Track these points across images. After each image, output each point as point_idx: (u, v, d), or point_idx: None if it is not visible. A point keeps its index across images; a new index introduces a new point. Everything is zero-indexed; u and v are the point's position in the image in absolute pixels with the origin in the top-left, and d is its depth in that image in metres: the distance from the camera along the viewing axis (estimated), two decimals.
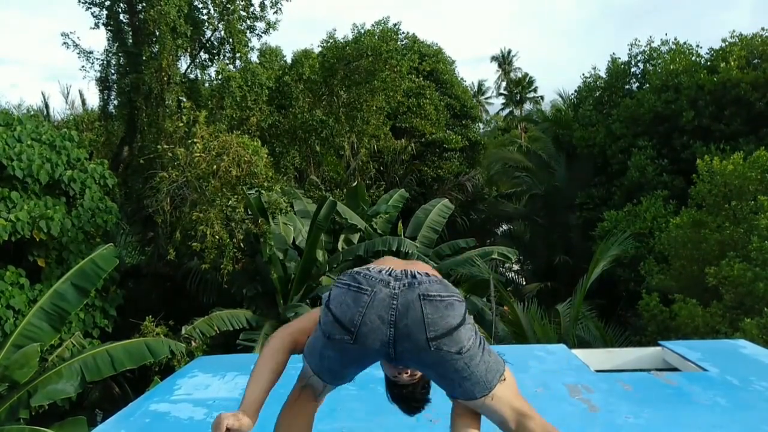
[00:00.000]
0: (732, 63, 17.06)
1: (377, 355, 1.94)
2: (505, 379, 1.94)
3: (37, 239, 11.29)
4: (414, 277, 1.88)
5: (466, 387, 1.87)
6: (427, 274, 1.93)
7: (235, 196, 13.08)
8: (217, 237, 12.52)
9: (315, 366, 2.04)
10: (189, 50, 15.97)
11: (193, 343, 11.82)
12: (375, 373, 3.49)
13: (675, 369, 4.33)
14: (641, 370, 4.30)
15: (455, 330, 1.81)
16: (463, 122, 27.83)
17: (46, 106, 23.52)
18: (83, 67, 17.27)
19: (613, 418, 3.15)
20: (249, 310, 13.33)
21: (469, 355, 1.83)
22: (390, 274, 1.90)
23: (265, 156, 13.74)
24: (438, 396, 3.40)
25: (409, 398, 2.25)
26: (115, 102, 16.82)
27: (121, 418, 3.38)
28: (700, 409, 3.31)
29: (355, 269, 1.97)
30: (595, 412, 3.21)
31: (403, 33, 24.00)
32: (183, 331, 12.02)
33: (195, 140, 13.01)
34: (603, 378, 3.86)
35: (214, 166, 12.74)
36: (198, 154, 12.85)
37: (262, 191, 13.45)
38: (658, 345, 4.73)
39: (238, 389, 3.72)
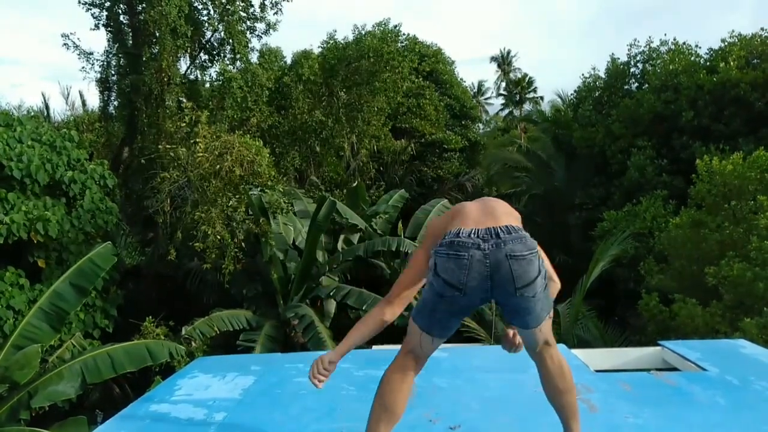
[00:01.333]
0: (731, 63, 17.02)
1: (478, 300, 2.40)
2: (550, 317, 2.45)
3: (35, 241, 11.27)
4: (498, 236, 2.30)
5: (527, 319, 2.38)
6: (508, 230, 2.33)
7: (237, 196, 13.09)
8: (218, 237, 12.52)
9: (425, 324, 2.44)
10: (189, 51, 15.97)
11: (194, 344, 11.79)
12: (375, 373, 3.41)
13: (675, 369, 4.32)
14: (641, 370, 4.30)
15: (534, 281, 2.29)
16: (463, 122, 27.85)
17: (47, 106, 23.47)
18: (83, 68, 17.35)
19: (613, 417, 3.15)
20: (249, 311, 13.32)
21: (537, 298, 2.33)
22: (479, 236, 2.31)
23: (267, 155, 13.75)
24: (437, 397, 3.46)
25: None
26: (116, 103, 16.88)
27: (121, 419, 3.37)
28: (700, 409, 3.31)
29: (448, 239, 2.36)
30: (595, 412, 3.20)
31: (404, 34, 24.00)
32: (183, 332, 11.99)
33: (197, 140, 13.01)
34: (603, 378, 3.85)
35: (217, 166, 12.74)
36: (201, 154, 12.86)
37: (266, 190, 13.45)
38: (658, 345, 4.73)
39: (238, 389, 3.74)
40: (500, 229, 2.32)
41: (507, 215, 2.45)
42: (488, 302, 2.49)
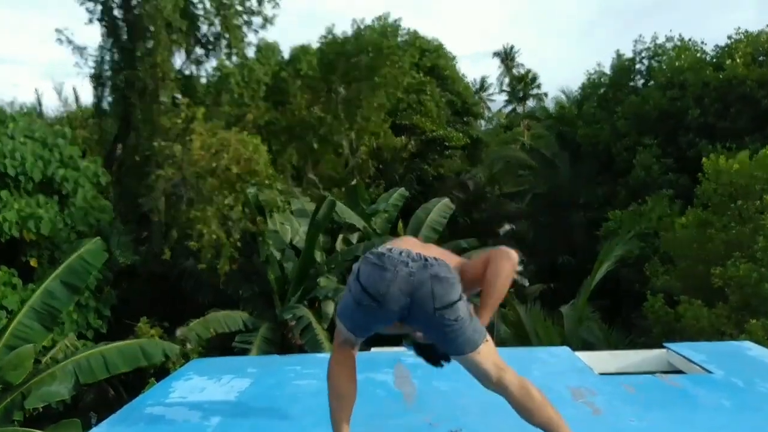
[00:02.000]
0: (738, 60, 17.09)
1: (394, 316, 2.43)
2: (487, 341, 2.46)
3: (27, 239, 11.19)
4: (426, 260, 2.40)
5: (458, 344, 2.41)
6: (435, 259, 2.43)
7: (233, 195, 12.99)
8: (214, 236, 12.43)
9: (348, 326, 2.53)
10: (184, 46, 15.87)
11: (189, 345, 11.72)
12: (375, 377, 3.77)
13: (680, 371, 4.31)
14: (645, 373, 4.27)
15: (455, 303, 2.35)
16: (465, 119, 27.73)
17: (39, 103, 23.43)
18: (77, 63, 17.25)
19: (617, 421, 3.12)
20: (245, 312, 13.27)
21: (462, 321, 2.36)
22: (408, 256, 2.40)
23: (265, 153, 13.66)
24: (437, 401, 3.49)
25: (428, 351, 2.80)
26: (109, 99, 16.75)
27: (115, 421, 3.33)
28: (705, 412, 3.29)
29: (380, 250, 2.48)
30: (599, 415, 3.19)
31: (404, 29, 23.85)
32: (178, 333, 11.97)
33: (193, 137, 12.91)
34: (607, 380, 3.83)
35: (213, 164, 12.66)
36: (197, 152, 12.77)
37: (263, 189, 13.38)
38: (663, 347, 4.71)
39: (233, 392, 3.71)
40: (428, 257, 2.43)
41: (439, 254, 2.55)
42: (400, 320, 2.50)
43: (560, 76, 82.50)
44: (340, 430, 2.54)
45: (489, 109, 44.32)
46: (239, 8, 15.99)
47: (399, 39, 20.39)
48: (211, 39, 16.39)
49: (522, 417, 2.50)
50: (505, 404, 3.26)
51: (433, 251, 2.57)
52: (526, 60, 72.13)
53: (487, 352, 2.45)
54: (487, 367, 2.44)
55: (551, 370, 3.99)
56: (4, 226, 10.77)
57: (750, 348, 4.60)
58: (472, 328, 2.40)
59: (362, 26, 19.01)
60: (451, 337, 2.39)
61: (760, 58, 17.42)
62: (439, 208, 16.73)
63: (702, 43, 19.23)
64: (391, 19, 19.64)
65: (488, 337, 2.48)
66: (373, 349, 5.27)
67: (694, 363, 4.14)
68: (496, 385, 2.47)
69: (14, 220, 10.92)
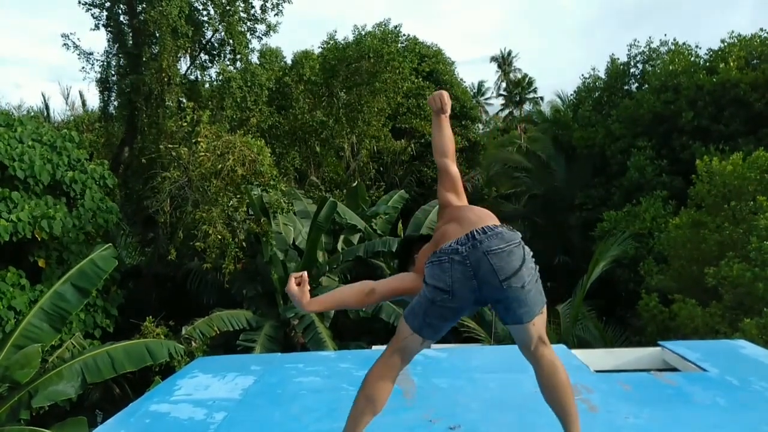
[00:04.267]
0: (731, 63, 16.99)
1: (471, 303, 2.48)
2: (542, 313, 2.49)
3: (39, 239, 11.29)
4: (474, 238, 2.41)
5: (519, 313, 2.42)
6: (483, 230, 2.44)
7: (238, 196, 13.11)
8: (219, 237, 12.53)
9: (416, 325, 2.50)
10: (189, 51, 15.98)
11: (193, 344, 11.83)
12: None
13: (674, 369, 4.33)
14: (641, 371, 4.31)
15: (519, 270, 2.37)
16: (463, 123, 27.80)
17: (46, 107, 23.53)
18: (83, 68, 17.39)
19: (613, 418, 3.16)
20: (249, 311, 13.36)
21: (528, 288, 2.39)
22: (458, 243, 2.43)
23: (269, 155, 13.78)
24: (436, 397, 3.50)
25: None
26: (116, 103, 16.87)
27: (121, 419, 3.40)
28: (700, 410, 3.32)
29: (438, 249, 2.51)
30: (595, 413, 3.21)
31: (404, 35, 23.98)
32: (183, 332, 12.05)
33: (199, 140, 13.02)
34: (602, 378, 3.86)
35: (219, 166, 12.76)
36: (202, 154, 12.88)
37: (268, 190, 13.48)
38: (658, 345, 4.73)
39: (238, 390, 3.75)
40: (475, 231, 2.44)
41: (486, 217, 2.59)
42: (480, 305, 2.55)
43: (560, 78, 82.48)
44: (355, 429, 2.57)
45: (486, 112, 44.45)
46: (243, 15, 16.09)
47: (399, 45, 20.51)
48: (216, 45, 16.53)
49: (543, 392, 2.56)
50: (503, 401, 3.44)
51: (477, 218, 2.57)
52: (525, 63, 72.29)
53: (540, 324, 2.48)
54: (532, 337, 2.48)
55: None
56: (19, 226, 10.85)
57: (744, 346, 4.62)
58: (533, 299, 2.42)
59: (363, 32, 19.13)
60: (516, 307, 2.40)
61: (754, 62, 17.37)
62: (438, 210, 16.85)
63: (696, 47, 19.28)
64: (391, 26, 19.78)
65: (544, 308, 2.52)
66: (374, 347, 5.37)
67: (689, 361, 4.18)
68: (532, 355, 2.53)
69: (27, 221, 11.01)
